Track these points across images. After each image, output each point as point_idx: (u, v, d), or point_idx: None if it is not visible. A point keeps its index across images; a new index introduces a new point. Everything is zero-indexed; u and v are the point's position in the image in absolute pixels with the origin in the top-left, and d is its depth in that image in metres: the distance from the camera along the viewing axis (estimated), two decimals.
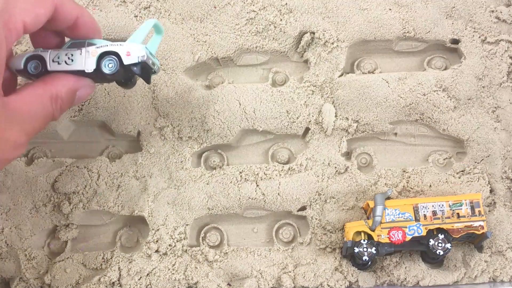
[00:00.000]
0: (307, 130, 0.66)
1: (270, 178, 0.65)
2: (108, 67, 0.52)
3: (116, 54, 0.52)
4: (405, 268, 0.61)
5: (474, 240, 0.61)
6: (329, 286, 0.61)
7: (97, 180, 0.65)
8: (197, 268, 0.62)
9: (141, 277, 0.62)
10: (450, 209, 0.59)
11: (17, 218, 0.64)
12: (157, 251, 0.63)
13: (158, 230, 0.63)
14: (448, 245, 0.58)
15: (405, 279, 0.61)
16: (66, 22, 0.51)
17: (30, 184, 0.65)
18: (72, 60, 0.52)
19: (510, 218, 0.63)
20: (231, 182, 0.64)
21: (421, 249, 0.60)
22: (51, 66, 0.52)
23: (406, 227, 0.59)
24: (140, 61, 0.52)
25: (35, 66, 0.53)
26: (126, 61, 0.52)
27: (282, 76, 0.69)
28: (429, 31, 0.67)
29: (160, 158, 0.66)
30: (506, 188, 0.64)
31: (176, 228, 0.64)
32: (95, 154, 0.68)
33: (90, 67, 0.52)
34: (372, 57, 0.69)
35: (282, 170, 0.65)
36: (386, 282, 0.62)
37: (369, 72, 0.68)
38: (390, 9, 0.68)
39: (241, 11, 0.68)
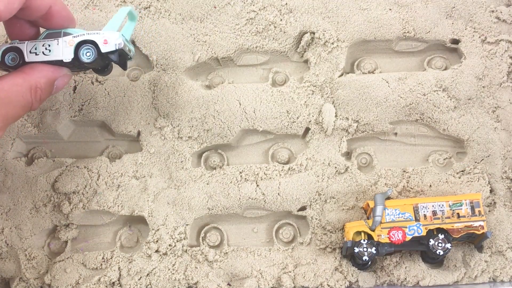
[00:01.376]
0: (307, 130, 0.66)
1: (270, 178, 0.65)
2: (86, 55, 0.53)
3: (93, 42, 0.53)
4: (405, 268, 0.61)
5: (474, 240, 0.61)
6: (329, 286, 0.61)
7: (97, 180, 0.65)
8: (197, 268, 0.62)
9: (141, 277, 0.62)
10: (450, 209, 0.59)
11: (17, 218, 0.64)
12: (157, 251, 0.63)
13: (158, 230, 0.63)
14: (448, 245, 0.58)
15: (405, 279, 0.61)
16: (39, 11, 0.51)
17: (30, 184, 0.65)
18: (50, 51, 0.53)
19: (510, 218, 0.63)
20: (231, 182, 0.64)
21: (421, 249, 0.60)
22: (28, 57, 0.53)
23: (406, 227, 0.59)
24: (117, 48, 0.53)
25: (12, 58, 0.54)
26: (103, 49, 0.53)
27: (282, 76, 0.69)
28: (429, 31, 0.67)
29: (160, 158, 0.66)
30: (506, 188, 0.64)
31: (176, 228, 0.64)
32: (95, 154, 0.68)
33: (68, 56, 0.53)
34: (372, 57, 0.69)
35: (282, 170, 0.65)
36: (386, 282, 0.62)
37: (369, 72, 0.68)
38: (390, 9, 0.68)
39: (241, 11, 0.68)
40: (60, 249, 0.66)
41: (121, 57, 0.55)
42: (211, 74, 0.70)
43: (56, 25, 0.54)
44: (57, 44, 0.53)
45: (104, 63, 0.55)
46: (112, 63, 0.56)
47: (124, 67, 0.56)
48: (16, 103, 0.49)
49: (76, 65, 0.54)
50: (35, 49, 0.54)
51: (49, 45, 0.54)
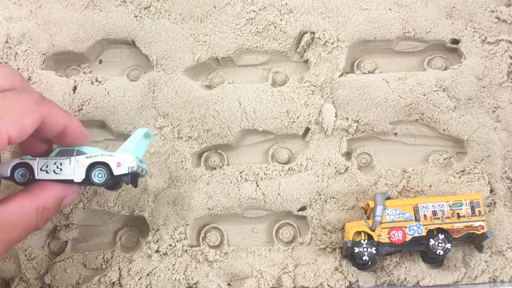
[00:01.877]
0: (307, 130, 0.66)
1: (270, 178, 0.65)
2: (97, 177, 0.53)
3: (106, 164, 0.52)
4: (405, 268, 0.61)
5: (474, 240, 0.61)
6: (329, 286, 0.61)
7: None
8: (197, 268, 0.62)
9: (141, 277, 0.62)
10: (450, 209, 0.59)
11: None
12: (157, 251, 0.63)
13: (158, 230, 0.64)
14: (448, 245, 0.58)
15: (405, 279, 0.61)
16: (53, 132, 0.50)
17: None
18: (61, 170, 0.53)
19: (510, 218, 0.63)
20: (231, 182, 0.64)
21: (421, 249, 0.60)
22: (39, 175, 0.52)
23: (406, 227, 0.59)
24: (130, 171, 0.53)
25: (22, 174, 0.53)
26: (116, 172, 0.52)
27: (282, 76, 0.69)
28: (429, 31, 0.67)
29: (160, 158, 0.66)
30: (506, 188, 0.64)
31: (176, 228, 0.64)
32: None
33: (79, 177, 0.53)
34: (372, 57, 0.69)
35: (282, 170, 0.65)
36: (386, 282, 0.62)
37: (369, 72, 0.68)
38: (390, 9, 0.68)
39: (241, 11, 0.68)
40: (60, 249, 0.66)
41: (133, 177, 0.54)
42: (211, 74, 0.70)
43: (70, 143, 0.53)
44: (69, 163, 0.53)
45: (115, 183, 0.56)
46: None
47: (135, 185, 0.56)
48: (21, 227, 0.48)
49: (86, 183, 0.53)
50: (46, 167, 0.53)
51: (60, 164, 0.53)
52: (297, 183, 0.64)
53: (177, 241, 0.63)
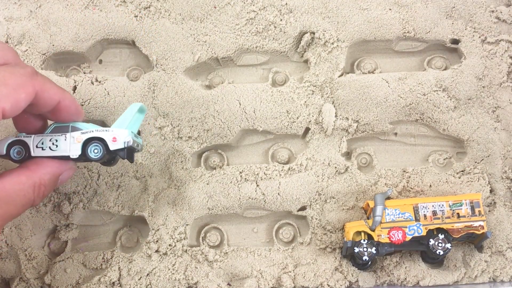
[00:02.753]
0: (307, 130, 0.66)
1: (270, 178, 0.65)
2: (93, 152, 0.52)
3: (101, 139, 0.52)
4: (405, 268, 0.61)
5: (474, 240, 0.61)
6: (329, 286, 0.61)
7: (97, 180, 0.65)
8: (197, 268, 0.62)
9: (141, 277, 0.62)
10: (450, 209, 0.59)
11: (17, 218, 0.64)
12: (157, 251, 0.63)
13: (158, 230, 0.64)
14: (448, 245, 0.58)
15: (405, 279, 0.61)
16: (47, 107, 0.50)
17: None
18: (57, 146, 0.53)
19: (510, 218, 0.63)
20: (231, 182, 0.64)
21: (421, 249, 0.60)
22: (35, 152, 0.52)
23: (406, 227, 0.59)
24: (125, 146, 0.53)
25: (18, 152, 0.53)
26: (112, 147, 0.52)
27: (282, 76, 0.69)
28: (429, 31, 0.67)
29: (160, 158, 0.66)
30: (506, 188, 0.64)
31: (176, 228, 0.64)
32: None
33: (75, 153, 0.52)
34: (372, 57, 0.69)
35: (282, 170, 0.65)
36: (386, 282, 0.62)
37: (369, 72, 0.68)
38: (390, 9, 0.68)
39: (241, 11, 0.68)
40: (60, 249, 0.66)
41: (129, 152, 0.54)
42: (211, 74, 0.70)
43: (64, 119, 0.53)
44: (65, 139, 0.53)
45: (111, 158, 0.56)
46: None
47: (131, 160, 0.56)
48: (17, 202, 0.48)
49: (82, 159, 0.53)
50: (42, 143, 0.53)
51: (56, 140, 0.53)
52: (297, 183, 0.64)
53: (177, 241, 0.63)
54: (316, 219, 0.64)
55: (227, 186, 0.64)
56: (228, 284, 0.63)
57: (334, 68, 0.66)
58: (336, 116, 0.65)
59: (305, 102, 0.66)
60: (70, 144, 0.53)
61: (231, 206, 0.64)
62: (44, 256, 0.64)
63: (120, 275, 0.63)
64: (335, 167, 0.65)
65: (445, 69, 0.67)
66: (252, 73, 0.70)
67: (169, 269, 0.62)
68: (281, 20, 0.67)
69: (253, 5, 0.68)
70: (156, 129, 0.66)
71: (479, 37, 0.67)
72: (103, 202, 0.64)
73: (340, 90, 0.65)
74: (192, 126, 0.66)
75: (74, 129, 0.53)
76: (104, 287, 0.62)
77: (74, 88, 0.67)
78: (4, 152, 0.53)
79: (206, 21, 0.68)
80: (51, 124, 0.54)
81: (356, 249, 0.58)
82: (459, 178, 0.64)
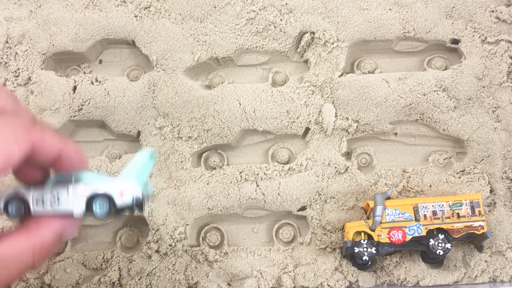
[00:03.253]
0: (307, 130, 0.66)
1: (270, 178, 0.65)
2: (99, 208, 0.47)
3: (107, 196, 0.47)
4: (405, 268, 0.61)
5: (474, 240, 0.61)
6: (329, 286, 0.61)
7: None
8: (197, 268, 0.62)
9: (141, 277, 0.62)
10: (450, 209, 0.59)
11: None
12: (157, 251, 0.63)
13: (158, 230, 0.63)
14: (448, 245, 0.58)
15: (405, 279, 0.61)
16: (47, 158, 0.46)
17: None
18: (59, 200, 0.47)
19: (510, 218, 0.63)
20: (231, 182, 0.64)
21: (421, 249, 0.60)
22: (34, 208, 0.47)
23: (406, 227, 0.59)
24: (134, 202, 0.47)
25: (17, 209, 0.48)
26: (119, 202, 0.47)
27: (282, 76, 0.69)
28: (429, 31, 0.67)
29: (160, 158, 0.66)
30: (506, 188, 0.64)
31: (176, 228, 0.64)
32: (95, 154, 0.68)
33: (79, 210, 0.47)
34: (372, 57, 0.69)
35: (282, 170, 0.65)
36: (386, 282, 0.62)
37: (369, 72, 0.68)
38: (390, 9, 0.68)
39: (241, 11, 0.68)
40: (60, 249, 0.66)
41: (138, 205, 0.49)
42: (211, 74, 0.70)
43: (67, 169, 0.48)
44: (67, 194, 0.47)
45: (119, 214, 0.49)
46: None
47: (141, 211, 0.50)
48: (14, 267, 0.44)
49: (87, 215, 0.48)
50: (42, 198, 0.48)
51: (57, 193, 0.47)
52: (297, 183, 0.64)
53: (177, 241, 0.63)
54: (316, 219, 0.64)
55: (227, 186, 0.64)
56: (228, 284, 0.63)
57: (334, 68, 0.66)
58: (336, 116, 0.65)
59: (305, 102, 0.66)
60: (72, 199, 0.48)
61: (231, 206, 0.64)
62: None
63: (120, 275, 0.63)
64: (335, 167, 0.65)
65: (445, 69, 0.67)
66: (252, 73, 0.70)
67: (169, 269, 0.62)
68: (281, 20, 0.67)
69: (253, 5, 0.68)
70: (156, 129, 0.66)
71: (479, 37, 0.67)
72: None
73: (340, 90, 0.65)
74: (192, 126, 0.66)
75: (77, 180, 0.48)
76: (104, 287, 0.62)
77: (74, 88, 0.67)
78: (2, 209, 0.48)
79: (206, 21, 0.68)
80: (52, 175, 0.50)
81: (356, 249, 0.58)
82: (459, 178, 0.64)
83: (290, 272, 0.62)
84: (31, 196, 0.48)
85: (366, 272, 0.62)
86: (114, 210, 0.47)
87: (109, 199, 0.47)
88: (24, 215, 0.47)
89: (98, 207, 0.47)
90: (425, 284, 0.61)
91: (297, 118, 0.65)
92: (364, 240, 0.59)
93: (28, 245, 0.45)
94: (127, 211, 0.47)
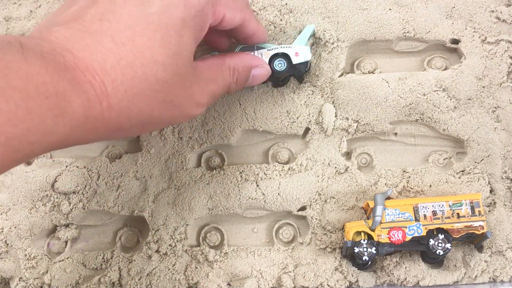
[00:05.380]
0: (307, 130, 0.66)
1: (270, 178, 0.65)
2: (278, 66, 0.60)
3: (285, 55, 0.60)
4: (405, 268, 0.61)
5: (474, 240, 0.61)
6: (329, 286, 0.61)
7: (97, 180, 0.65)
8: (197, 268, 0.63)
9: (141, 277, 0.62)
10: (450, 209, 0.59)
11: (17, 218, 0.64)
12: (157, 251, 0.63)
13: (158, 230, 0.64)
14: (448, 245, 0.58)
15: (405, 279, 0.61)
16: (230, 27, 0.55)
17: (30, 184, 0.65)
18: None
19: (510, 218, 0.63)
20: (231, 182, 0.64)
21: (421, 249, 0.60)
22: None
23: (406, 227, 0.59)
24: (306, 60, 0.61)
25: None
26: (294, 61, 0.61)
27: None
28: (429, 31, 0.67)
29: (160, 158, 0.66)
30: (506, 188, 0.64)
31: (176, 228, 0.64)
32: (95, 154, 0.68)
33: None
34: (372, 57, 0.69)
35: (282, 170, 0.65)
36: (386, 282, 0.62)
37: (369, 72, 0.68)
38: (390, 9, 0.68)
39: None
40: (60, 249, 0.66)
41: (300, 69, 0.62)
42: None
43: (249, 40, 0.59)
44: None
45: (292, 73, 0.62)
46: (287, 78, 0.65)
47: (301, 80, 0.65)
48: (218, 80, 0.53)
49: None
50: None
51: None
52: (297, 183, 0.64)
53: (177, 241, 0.63)
54: (316, 219, 0.64)
55: (227, 186, 0.64)
56: (228, 284, 0.63)
57: (334, 68, 0.66)
58: (336, 116, 0.65)
59: (305, 102, 0.66)
60: None
61: (231, 206, 0.64)
62: (44, 256, 0.64)
63: (120, 275, 0.63)
64: (335, 167, 0.65)
65: (445, 69, 0.67)
66: None
67: (169, 269, 0.62)
68: (281, 20, 0.67)
69: (253, 5, 0.68)
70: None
71: (479, 37, 0.67)
72: (103, 202, 0.64)
73: (340, 90, 0.65)
74: (192, 126, 0.66)
75: (259, 48, 0.60)
76: (104, 287, 0.62)
77: None
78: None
79: None
80: (238, 45, 0.60)
81: (356, 249, 0.58)
82: (459, 178, 0.64)
83: (290, 272, 0.62)
84: None
85: (366, 272, 0.62)
86: (291, 67, 0.61)
87: (287, 58, 0.60)
88: None
89: (277, 66, 0.60)
90: (425, 284, 0.61)
91: (297, 118, 0.65)
92: (364, 240, 0.59)
93: (225, 64, 0.54)
94: (301, 67, 0.61)
